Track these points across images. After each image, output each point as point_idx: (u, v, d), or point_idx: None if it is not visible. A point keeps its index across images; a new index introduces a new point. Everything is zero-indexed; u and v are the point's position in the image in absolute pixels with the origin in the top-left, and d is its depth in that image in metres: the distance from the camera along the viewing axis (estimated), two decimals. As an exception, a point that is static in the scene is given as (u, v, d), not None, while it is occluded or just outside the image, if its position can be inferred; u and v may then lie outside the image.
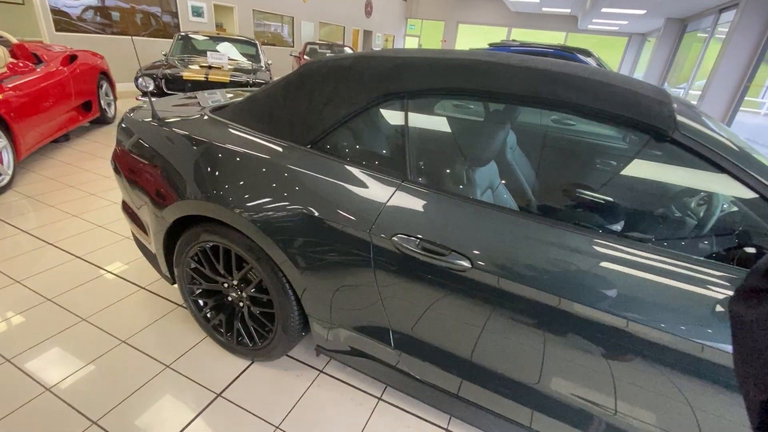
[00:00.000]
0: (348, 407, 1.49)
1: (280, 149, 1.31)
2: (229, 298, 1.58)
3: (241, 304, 1.55)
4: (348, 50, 9.18)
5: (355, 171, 1.22)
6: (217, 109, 1.63)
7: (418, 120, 1.21)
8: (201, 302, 1.65)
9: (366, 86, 1.22)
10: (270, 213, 1.25)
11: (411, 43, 20.16)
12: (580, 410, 1.07)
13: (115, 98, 5.18)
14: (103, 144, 4.24)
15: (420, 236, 1.09)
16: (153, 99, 1.76)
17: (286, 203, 1.24)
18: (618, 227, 1.13)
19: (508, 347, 1.08)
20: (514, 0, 13.80)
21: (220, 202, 1.29)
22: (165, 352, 1.63)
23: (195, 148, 1.40)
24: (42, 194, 2.92)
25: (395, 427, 1.43)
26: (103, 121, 4.86)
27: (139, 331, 1.73)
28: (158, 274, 1.94)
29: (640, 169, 1.38)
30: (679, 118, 0.97)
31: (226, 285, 1.55)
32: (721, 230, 1.06)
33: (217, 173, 1.33)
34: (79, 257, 2.21)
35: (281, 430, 1.38)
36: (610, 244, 0.98)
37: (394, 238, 1.11)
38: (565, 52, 5.82)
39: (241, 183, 1.29)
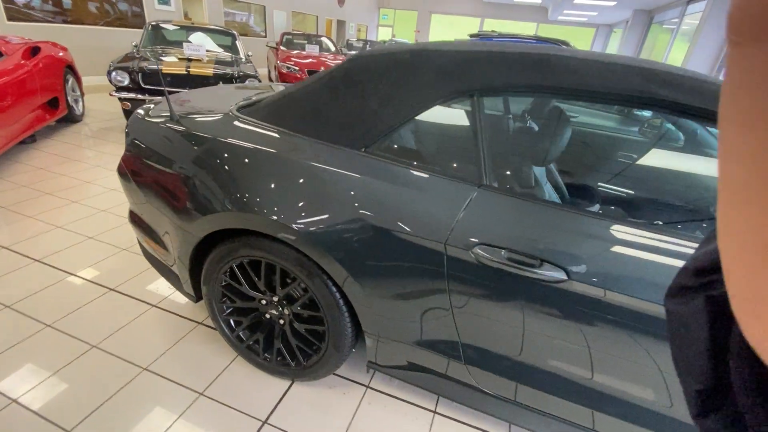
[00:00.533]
0: (404, 423, 1.40)
1: (333, 154, 1.19)
2: (267, 316, 1.45)
3: (281, 321, 1.42)
4: (326, 41, 8.90)
5: (423, 175, 1.12)
6: (243, 108, 1.47)
7: (491, 119, 1.12)
8: (233, 321, 1.50)
9: (431, 83, 1.12)
10: (329, 225, 1.13)
11: (384, 34, 19.91)
12: (661, 415, 1.03)
13: (83, 94, 4.76)
14: (73, 145, 3.88)
15: (506, 246, 1.01)
16: (154, 98, 1.58)
17: (347, 214, 1.12)
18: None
19: (595, 356, 1.03)
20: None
21: (268, 215, 1.16)
22: (195, 378, 1.48)
23: (230, 153, 1.25)
24: (17, 204, 2.62)
25: (457, 441, 1.37)
26: (70, 119, 4.45)
27: (161, 355, 1.57)
28: (176, 290, 1.77)
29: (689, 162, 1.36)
30: None
31: (264, 302, 1.42)
32: None
33: (261, 182, 1.19)
34: (74, 274, 1.99)
35: (340, 456, 1.28)
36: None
37: (476, 249, 1.03)
38: (546, 42, 5.89)
39: (293, 193, 1.16)
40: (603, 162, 1.77)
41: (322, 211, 1.14)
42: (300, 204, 1.15)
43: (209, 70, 4.42)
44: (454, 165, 1.14)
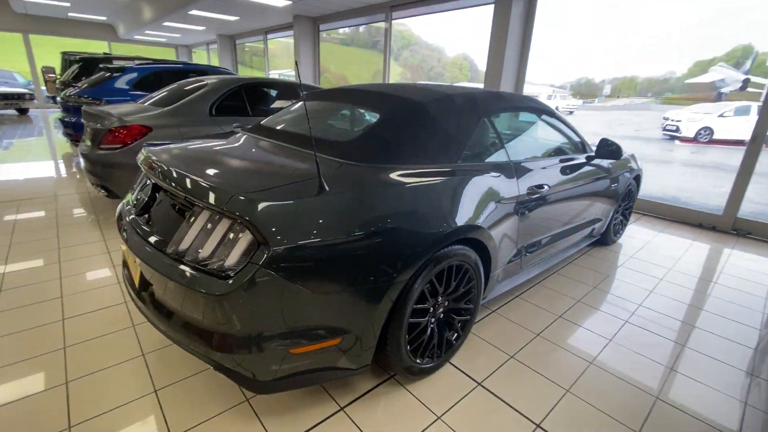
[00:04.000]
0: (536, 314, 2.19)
1: (461, 170, 1.74)
2: (432, 320, 1.71)
3: (442, 315, 1.76)
4: None
5: (497, 163, 1.94)
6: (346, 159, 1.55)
7: (497, 127, 2.05)
8: (412, 348, 1.64)
9: (475, 112, 1.91)
10: (488, 215, 1.77)
11: None
12: None
13: None
14: None
15: (534, 184, 2.06)
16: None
17: (490, 201, 1.79)
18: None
19: (563, 218, 2.35)
20: (25, 0, 10.95)
21: (477, 224, 1.69)
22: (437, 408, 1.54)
23: (422, 191, 1.56)
24: None
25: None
26: None
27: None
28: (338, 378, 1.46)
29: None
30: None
31: (432, 309, 1.69)
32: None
33: (463, 203, 1.67)
34: None
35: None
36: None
37: (528, 190, 2.01)
38: (209, 68, 6.22)
39: (474, 202, 1.72)
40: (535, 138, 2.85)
41: (484, 207, 1.74)
42: (478, 208, 1.71)
43: None
44: (497, 155, 2.00)
